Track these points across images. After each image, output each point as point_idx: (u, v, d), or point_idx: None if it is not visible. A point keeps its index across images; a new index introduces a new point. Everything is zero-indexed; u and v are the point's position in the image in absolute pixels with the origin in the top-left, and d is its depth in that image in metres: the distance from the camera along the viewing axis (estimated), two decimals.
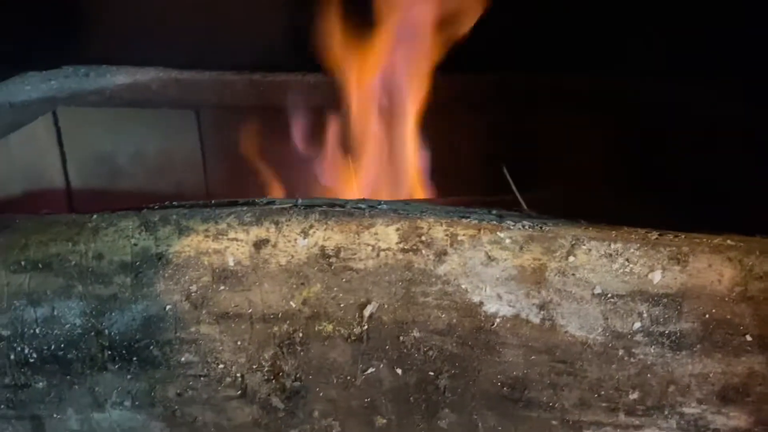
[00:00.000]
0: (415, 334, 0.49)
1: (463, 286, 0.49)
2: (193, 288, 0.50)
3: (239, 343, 0.50)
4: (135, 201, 0.55)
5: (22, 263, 0.50)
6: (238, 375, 0.51)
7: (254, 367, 0.51)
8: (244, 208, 0.52)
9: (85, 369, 0.51)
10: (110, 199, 0.92)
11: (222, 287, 0.50)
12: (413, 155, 0.75)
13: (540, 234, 0.49)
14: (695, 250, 0.47)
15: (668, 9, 0.81)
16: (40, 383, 0.52)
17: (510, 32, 0.83)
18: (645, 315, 0.47)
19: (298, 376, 0.51)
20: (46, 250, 0.51)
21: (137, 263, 0.50)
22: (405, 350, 0.50)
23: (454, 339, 0.49)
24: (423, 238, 0.49)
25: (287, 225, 0.50)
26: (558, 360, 0.49)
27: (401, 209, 0.51)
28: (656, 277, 0.47)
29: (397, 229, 0.49)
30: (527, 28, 0.84)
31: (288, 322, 0.50)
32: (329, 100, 0.79)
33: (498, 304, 0.48)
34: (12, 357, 0.51)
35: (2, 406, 0.52)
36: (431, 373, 0.50)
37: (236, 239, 0.50)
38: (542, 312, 0.48)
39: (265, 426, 0.52)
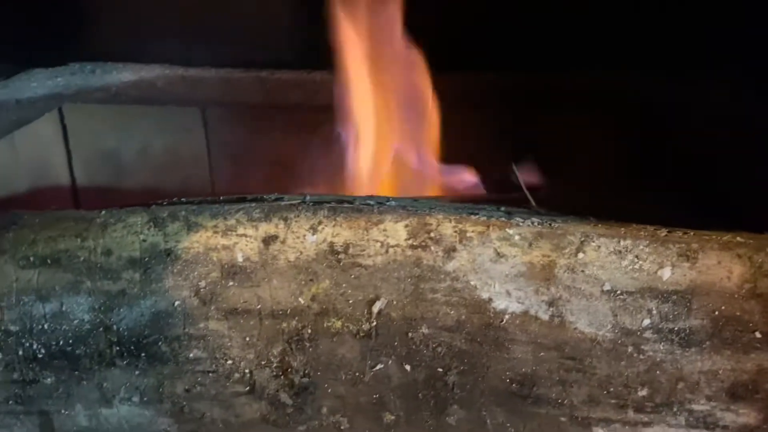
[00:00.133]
0: (424, 330, 0.49)
1: (472, 283, 0.49)
2: (202, 284, 0.50)
3: (248, 339, 0.50)
4: (141, 198, 0.55)
5: (31, 259, 0.50)
6: (247, 371, 0.51)
7: (263, 363, 0.51)
8: (253, 204, 0.51)
9: (93, 365, 0.51)
10: (116, 196, 0.92)
11: (231, 283, 0.50)
12: (423, 150, 0.75)
13: (549, 231, 0.49)
14: (704, 247, 0.47)
15: (668, 8, 0.81)
16: (49, 379, 0.52)
17: (510, 32, 0.83)
18: (654, 312, 0.47)
19: (306, 372, 0.51)
20: (55, 245, 0.51)
21: (146, 259, 0.50)
22: (414, 346, 0.50)
23: (463, 335, 0.49)
24: (432, 234, 0.49)
25: (296, 221, 0.50)
26: (567, 357, 0.48)
27: (410, 206, 0.51)
28: (665, 273, 0.47)
29: (406, 226, 0.49)
30: (527, 27, 0.84)
31: (297, 318, 0.50)
32: (336, 98, 0.79)
33: (507, 300, 0.48)
34: (20, 352, 0.51)
35: (11, 402, 0.52)
36: (440, 370, 0.50)
37: (245, 235, 0.50)
38: (551, 308, 0.48)
39: (274, 422, 0.52)
